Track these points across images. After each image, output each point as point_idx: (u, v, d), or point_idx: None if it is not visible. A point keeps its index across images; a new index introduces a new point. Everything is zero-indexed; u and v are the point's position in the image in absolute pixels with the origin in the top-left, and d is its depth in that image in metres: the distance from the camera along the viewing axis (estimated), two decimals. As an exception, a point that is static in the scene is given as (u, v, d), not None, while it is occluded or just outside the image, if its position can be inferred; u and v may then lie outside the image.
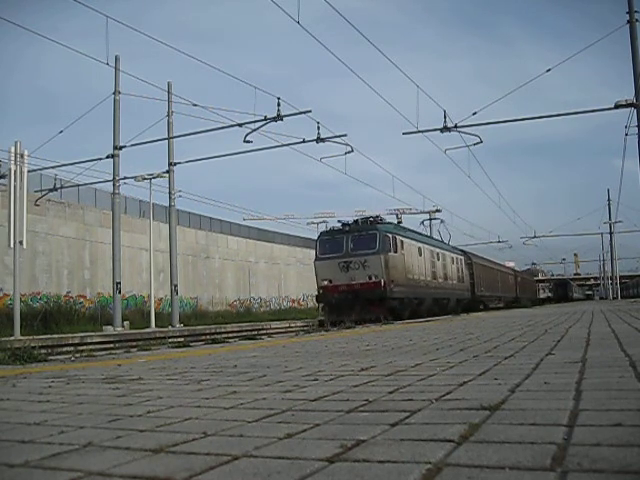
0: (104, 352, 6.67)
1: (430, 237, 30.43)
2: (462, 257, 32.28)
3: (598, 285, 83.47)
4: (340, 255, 20.71)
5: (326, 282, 20.71)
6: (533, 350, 3.83)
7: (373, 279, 19.96)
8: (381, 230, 20.97)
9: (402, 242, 21.99)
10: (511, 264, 60.55)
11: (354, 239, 20.87)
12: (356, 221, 22.06)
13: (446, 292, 27.12)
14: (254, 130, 19.17)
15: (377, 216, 23.84)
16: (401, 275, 21.19)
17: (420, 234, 27.81)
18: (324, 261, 21.11)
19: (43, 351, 6.61)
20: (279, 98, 18.48)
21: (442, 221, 36.12)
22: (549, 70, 17.57)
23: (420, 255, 24.00)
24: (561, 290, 72.63)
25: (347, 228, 21.32)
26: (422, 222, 37.22)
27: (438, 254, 27.22)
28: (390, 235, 21.21)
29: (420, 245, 24.59)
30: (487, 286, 35.81)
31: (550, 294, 69.48)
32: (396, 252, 21.09)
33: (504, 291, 41.99)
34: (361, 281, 20.04)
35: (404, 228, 24.83)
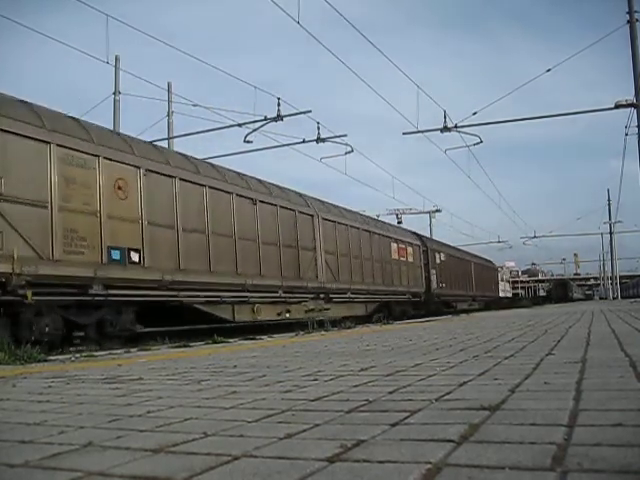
0: (104, 352, 6.67)
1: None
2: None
3: (598, 285, 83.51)
4: None
5: None
6: (533, 350, 3.82)
7: None
8: None
9: None
10: (511, 264, 60.59)
11: None
12: None
13: None
14: (254, 130, 19.09)
15: None
16: None
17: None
18: None
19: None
20: (279, 98, 18.33)
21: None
22: (549, 70, 17.58)
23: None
24: (561, 290, 72.56)
25: None
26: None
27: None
28: None
29: None
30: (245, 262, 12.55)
31: (548, 294, 69.37)
32: None
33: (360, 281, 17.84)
34: None
35: None
